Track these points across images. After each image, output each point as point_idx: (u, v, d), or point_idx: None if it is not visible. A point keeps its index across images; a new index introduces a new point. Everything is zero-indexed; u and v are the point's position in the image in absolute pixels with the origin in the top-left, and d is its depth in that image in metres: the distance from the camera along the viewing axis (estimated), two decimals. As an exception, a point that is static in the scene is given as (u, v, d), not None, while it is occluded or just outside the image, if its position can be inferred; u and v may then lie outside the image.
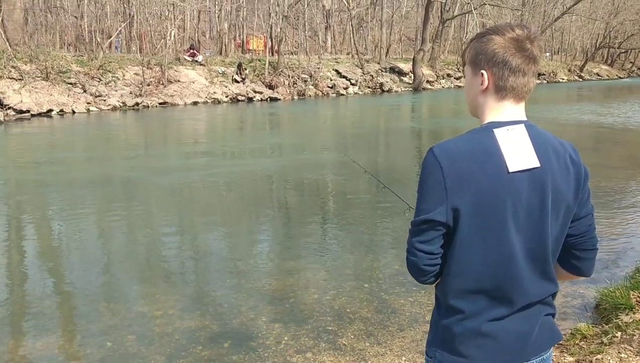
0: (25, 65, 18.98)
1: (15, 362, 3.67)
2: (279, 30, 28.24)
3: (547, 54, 46.94)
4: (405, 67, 32.12)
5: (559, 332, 1.52)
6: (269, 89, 24.93)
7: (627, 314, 3.75)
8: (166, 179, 9.19)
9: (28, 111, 17.25)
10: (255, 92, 24.30)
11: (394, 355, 3.66)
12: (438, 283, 1.50)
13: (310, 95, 26.13)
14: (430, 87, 32.10)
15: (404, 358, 3.63)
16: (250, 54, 29.66)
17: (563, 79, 43.83)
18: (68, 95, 18.92)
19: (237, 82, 24.34)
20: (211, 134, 16.12)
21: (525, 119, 1.44)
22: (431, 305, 4.35)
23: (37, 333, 3.99)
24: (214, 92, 23.11)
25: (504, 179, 1.35)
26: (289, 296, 4.60)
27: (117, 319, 4.18)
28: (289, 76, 25.78)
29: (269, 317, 4.21)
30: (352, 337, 3.91)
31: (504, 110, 1.43)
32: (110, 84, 20.55)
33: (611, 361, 3.18)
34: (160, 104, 20.99)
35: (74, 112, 18.40)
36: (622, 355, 3.23)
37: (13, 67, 18.44)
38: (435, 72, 33.66)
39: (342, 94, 27.63)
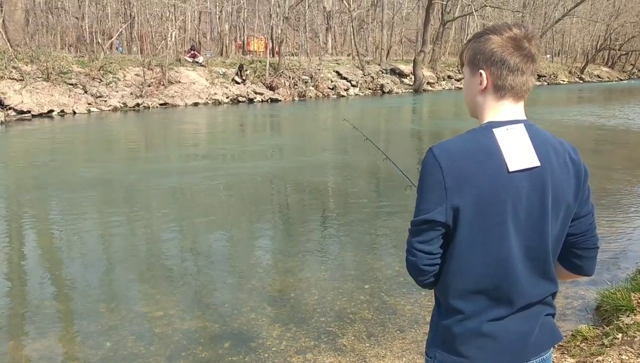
0: (26, 65, 19.01)
1: (15, 362, 3.66)
2: (279, 31, 28.26)
3: (548, 55, 47.00)
4: (406, 68, 32.15)
5: (559, 333, 1.52)
6: (270, 90, 24.95)
7: (628, 316, 3.75)
8: (167, 179, 9.19)
9: (29, 112, 17.27)
10: (255, 93, 24.32)
11: (394, 356, 3.66)
12: (438, 284, 1.49)
13: (310, 97, 26.14)
14: (430, 88, 32.11)
15: (404, 359, 3.63)
16: (251, 55, 29.69)
17: (564, 81, 43.84)
18: (69, 96, 18.94)
19: (238, 83, 24.36)
20: (212, 135, 16.12)
21: (524, 118, 1.44)
22: (431, 306, 4.33)
23: (37, 333, 3.99)
24: (215, 93, 23.13)
25: (504, 178, 1.35)
26: (290, 297, 4.60)
27: (117, 320, 4.17)
28: (289, 77, 25.80)
29: (270, 317, 4.21)
30: (353, 337, 3.90)
31: (503, 110, 1.43)
32: (111, 85, 20.57)
33: None
34: (160, 104, 21.01)
35: (74, 112, 18.42)
36: (623, 357, 3.22)
37: (14, 67, 18.46)
38: (436, 73, 33.67)
39: (343, 96, 27.64)
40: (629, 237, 6.25)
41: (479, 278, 1.39)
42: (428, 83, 31.99)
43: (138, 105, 20.34)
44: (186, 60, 24.78)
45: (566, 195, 1.42)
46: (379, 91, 29.56)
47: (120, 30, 25.26)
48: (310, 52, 31.13)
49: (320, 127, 18.09)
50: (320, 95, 26.76)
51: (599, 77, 49.54)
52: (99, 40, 22.92)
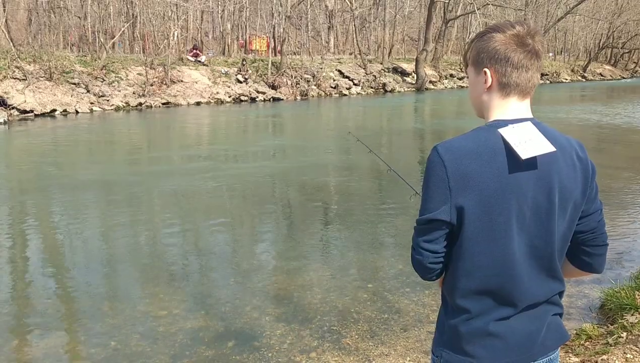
0: (29, 65, 19.03)
1: (20, 361, 3.67)
2: (281, 30, 28.24)
3: (550, 54, 46.83)
4: (408, 67, 32.10)
5: (566, 332, 1.51)
6: (272, 89, 24.95)
7: (632, 314, 3.74)
8: (169, 180, 9.20)
9: (31, 111, 17.30)
10: (258, 92, 24.32)
11: (398, 355, 3.65)
12: (445, 283, 1.49)
13: (313, 96, 26.13)
14: (433, 87, 32.07)
15: (408, 358, 3.62)
16: (253, 54, 29.69)
17: (566, 79, 43.72)
18: (71, 95, 18.97)
19: (240, 82, 24.35)
20: (214, 134, 16.13)
21: (530, 116, 1.43)
22: (435, 305, 4.35)
23: (41, 332, 4.00)
24: (217, 92, 23.14)
25: (509, 177, 1.34)
26: (293, 296, 4.60)
27: (121, 319, 4.18)
28: (291, 76, 25.79)
29: (273, 316, 4.21)
30: (356, 336, 3.90)
31: (509, 107, 1.42)
32: (113, 84, 20.59)
33: (617, 361, 3.17)
34: (163, 104, 21.02)
35: (77, 112, 18.44)
36: (628, 356, 3.21)
37: (17, 67, 18.49)
38: (438, 72, 33.61)
39: (345, 94, 27.62)
40: (633, 235, 6.24)
41: (485, 277, 1.39)
42: (430, 82, 31.94)
43: (140, 104, 20.36)
44: (188, 59, 24.79)
45: (574, 193, 1.41)
46: (381, 90, 29.53)
47: (122, 29, 25.28)
48: (312, 50, 31.13)
49: (323, 127, 18.08)
50: (323, 94, 26.74)
51: (602, 76, 49.40)
52: (102, 40, 22.94)
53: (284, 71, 25.71)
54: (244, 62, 25.02)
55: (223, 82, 23.98)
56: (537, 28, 1.45)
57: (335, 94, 27.36)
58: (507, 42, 1.39)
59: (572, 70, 46.58)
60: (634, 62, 57.08)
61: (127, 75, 21.36)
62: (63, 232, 6.53)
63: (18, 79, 18.23)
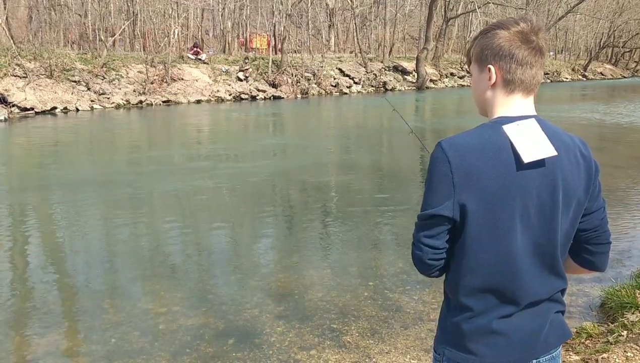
0: (30, 63, 19.02)
1: (20, 358, 3.67)
2: (282, 28, 28.21)
3: (551, 53, 46.81)
4: (409, 65, 32.08)
5: (568, 330, 1.51)
6: (273, 87, 24.94)
7: (633, 313, 3.74)
8: (170, 178, 9.20)
9: (32, 109, 17.29)
10: (258, 90, 24.30)
11: (398, 353, 3.65)
12: (447, 281, 1.49)
13: (313, 94, 26.11)
14: (433, 85, 32.05)
15: (408, 356, 3.62)
16: (254, 52, 29.66)
17: (567, 78, 43.71)
18: (72, 93, 18.96)
19: (241, 80, 24.33)
20: (215, 132, 16.12)
21: (534, 113, 1.43)
22: (436, 302, 4.35)
23: (42, 330, 4.00)
24: (218, 91, 23.12)
25: (513, 175, 1.33)
26: (294, 293, 4.60)
27: (121, 316, 4.18)
28: (292, 75, 25.77)
29: (273, 314, 4.21)
30: (357, 334, 3.90)
31: (513, 104, 1.42)
32: (114, 82, 20.57)
33: (617, 360, 3.17)
34: (163, 102, 21.02)
35: (77, 109, 18.43)
36: (629, 354, 3.21)
37: (17, 64, 18.47)
38: (439, 70, 33.59)
39: (346, 93, 27.61)
40: (633, 234, 6.24)
41: (488, 275, 1.38)
42: (431, 80, 31.92)
43: (141, 102, 20.35)
44: (189, 57, 24.77)
45: (577, 191, 1.41)
46: (382, 88, 29.51)
47: (123, 27, 25.26)
48: (312, 49, 31.07)
49: (323, 125, 18.07)
50: (323, 92, 26.73)
51: (602, 75, 49.38)
52: (102, 38, 22.91)
53: (285, 69, 25.70)
54: (247, 60, 24.99)
55: (223, 80, 23.97)
56: (541, 25, 1.44)
57: (335, 92, 27.34)
58: (511, 38, 1.39)
59: (573, 69, 46.57)
60: (635, 62, 57.04)
61: (127, 73, 21.34)
62: (63, 230, 6.53)
63: (18, 76, 18.22)
